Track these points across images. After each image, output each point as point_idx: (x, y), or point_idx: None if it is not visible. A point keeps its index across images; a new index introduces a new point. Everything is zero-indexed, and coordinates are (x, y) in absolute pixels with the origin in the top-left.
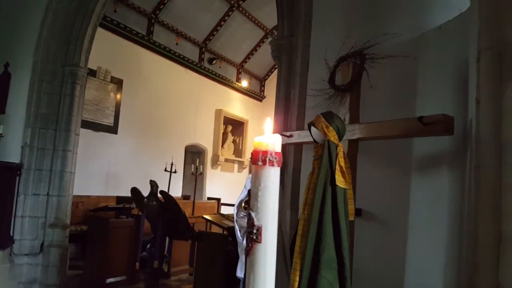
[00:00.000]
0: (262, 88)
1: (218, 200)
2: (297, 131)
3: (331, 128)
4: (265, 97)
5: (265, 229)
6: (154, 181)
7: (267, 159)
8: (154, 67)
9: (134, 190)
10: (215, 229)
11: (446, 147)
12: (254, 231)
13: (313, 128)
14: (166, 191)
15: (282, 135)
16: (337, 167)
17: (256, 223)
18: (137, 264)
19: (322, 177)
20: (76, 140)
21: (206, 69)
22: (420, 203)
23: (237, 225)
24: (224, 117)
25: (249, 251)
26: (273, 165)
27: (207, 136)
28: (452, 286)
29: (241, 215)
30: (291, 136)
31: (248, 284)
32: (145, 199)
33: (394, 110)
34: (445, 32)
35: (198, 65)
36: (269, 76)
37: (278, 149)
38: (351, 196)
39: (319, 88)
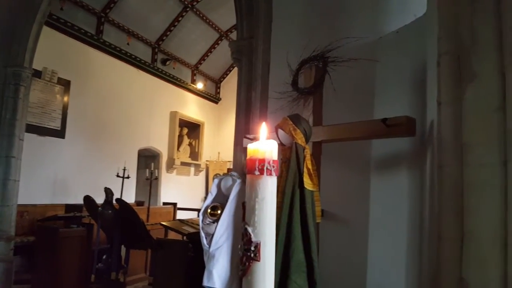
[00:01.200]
0: (218, 90)
1: (174, 204)
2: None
3: (298, 130)
4: (221, 99)
5: (264, 245)
6: (109, 189)
7: (265, 168)
8: (104, 68)
9: (87, 199)
10: (173, 236)
11: (404, 148)
12: (252, 248)
13: (280, 131)
14: (119, 197)
15: (245, 137)
16: (305, 169)
17: (253, 239)
18: (93, 276)
19: (290, 180)
20: (20, 145)
21: (160, 70)
22: (379, 203)
23: (203, 232)
24: (180, 119)
25: (246, 270)
26: (271, 174)
27: (162, 139)
28: (414, 283)
29: (207, 222)
30: (254, 139)
31: None
32: (99, 208)
33: (353, 112)
34: (402, 36)
35: (151, 66)
36: (224, 78)
37: (275, 156)
38: (318, 198)
39: (282, 90)
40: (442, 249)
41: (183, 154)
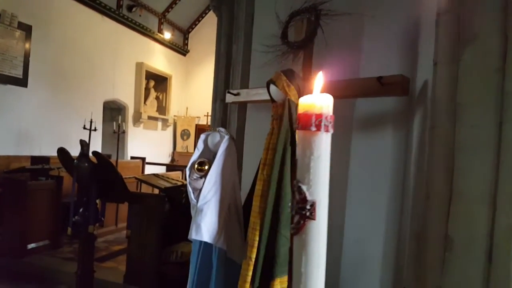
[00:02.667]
0: (186, 42)
1: (143, 159)
2: (245, 89)
3: (292, 86)
4: (189, 51)
5: (319, 204)
6: (84, 141)
7: (322, 124)
8: (67, 13)
9: (62, 151)
10: (144, 190)
11: (389, 108)
12: (308, 207)
13: (272, 86)
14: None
15: (228, 92)
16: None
17: (309, 197)
18: (69, 229)
19: (282, 137)
20: None
21: (125, 17)
22: (360, 162)
23: (190, 187)
24: (146, 71)
25: (299, 229)
26: (327, 130)
27: (128, 91)
28: (393, 239)
29: (194, 177)
30: (238, 94)
31: (299, 265)
32: (75, 161)
33: (340, 69)
34: None
35: (116, 12)
36: (193, 28)
37: (331, 111)
38: None
39: (269, 43)
40: (429, 207)
41: (150, 108)
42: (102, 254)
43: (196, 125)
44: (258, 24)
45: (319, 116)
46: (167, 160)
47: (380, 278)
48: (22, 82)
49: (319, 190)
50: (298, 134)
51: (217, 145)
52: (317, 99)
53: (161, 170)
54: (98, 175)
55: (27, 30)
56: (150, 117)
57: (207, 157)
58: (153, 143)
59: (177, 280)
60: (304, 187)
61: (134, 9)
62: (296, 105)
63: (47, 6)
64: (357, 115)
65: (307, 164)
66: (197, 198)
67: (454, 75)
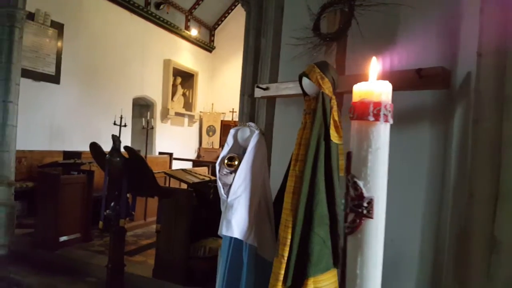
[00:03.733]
0: (212, 38)
1: (170, 154)
2: (275, 84)
3: (326, 79)
4: (215, 47)
5: (377, 201)
6: (116, 136)
7: (381, 113)
8: (96, 11)
9: (94, 145)
10: (173, 184)
11: (426, 103)
12: (365, 204)
13: (305, 79)
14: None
15: (257, 87)
16: (331, 121)
17: (366, 194)
18: (101, 223)
19: (315, 132)
20: (16, 90)
21: (153, 14)
22: (397, 157)
23: (220, 182)
24: (173, 68)
25: (355, 228)
26: (386, 120)
27: (156, 88)
28: (431, 237)
29: (224, 172)
30: (267, 88)
31: (354, 266)
32: (107, 155)
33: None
34: None
35: (145, 9)
36: (219, 25)
37: (390, 100)
38: (342, 151)
39: (301, 36)
40: (472, 207)
41: (177, 104)
42: (131, 248)
43: (222, 121)
44: (288, 16)
45: (377, 105)
46: (193, 156)
47: (417, 279)
48: (54, 79)
49: (377, 185)
50: (353, 124)
51: (247, 140)
52: (375, 85)
53: (188, 165)
54: (129, 170)
55: (59, 28)
56: (177, 113)
57: (237, 152)
58: (179, 139)
59: (204, 275)
60: (360, 183)
61: (161, 7)
62: (331, 98)
63: (78, 5)
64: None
65: (363, 158)
66: (227, 193)
67: (501, 66)
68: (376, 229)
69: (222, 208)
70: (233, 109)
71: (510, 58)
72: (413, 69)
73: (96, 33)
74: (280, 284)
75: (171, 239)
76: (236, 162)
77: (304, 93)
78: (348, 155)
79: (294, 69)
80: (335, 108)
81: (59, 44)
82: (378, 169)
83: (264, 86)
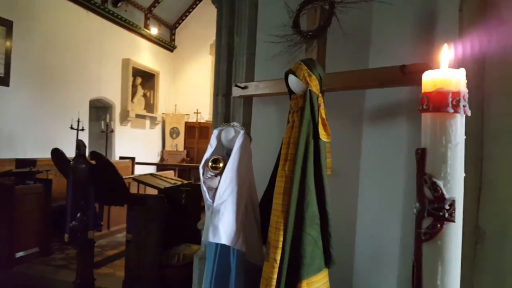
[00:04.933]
0: (173, 37)
1: (133, 159)
2: (254, 82)
3: (313, 76)
4: (176, 46)
5: (457, 203)
6: (81, 141)
7: (461, 104)
8: (49, 7)
9: (56, 152)
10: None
11: (403, 99)
12: (446, 206)
13: (291, 77)
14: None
15: (236, 86)
16: (319, 119)
17: (447, 195)
18: (66, 235)
19: (304, 131)
20: None
21: (111, 12)
22: (373, 153)
23: (205, 186)
24: (133, 68)
25: (435, 234)
26: (465, 112)
27: (114, 89)
28: (411, 230)
29: (209, 176)
30: (246, 87)
31: (434, 277)
32: (71, 162)
33: (346, 61)
34: None
35: (101, 7)
36: (180, 23)
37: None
38: (329, 149)
39: (280, 34)
40: None
41: (138, 106)
42: (96, 260)
43: (186, 122)
44: (263, 14)
45: (456, 95)
46: (156, 159)
47: (398, 273)
48: (3, 81)
49: (457, 185)
50: (425, 117)
51: (232, 140)
52: (451, 73)
53: (151, 170)
54: (96, 177)
55: (7, 26)
56: (137, 115)
57: (221, 154)
58: (141, 142)
59: (178, 283)
60: (440, 183)
61: (119, 4)
62: (318, 96)
63: (29, 1)
64: (368, 106)
65: (442, 155)
66: (213, 198)
67: (480, 63)
68: (457, 234)
69: (208, 214)
70: (197, 110)
71: (489, 56)
72: (397, 65)
73: (50, 32)
74: None
75: (141, 248)
76: (221, 165)
77: (290, 91)
78: (423, 152)
79: (271, 67)
80: (322, 105)
81: (8, 43)
82: (458, 167)
83: (242, 85)
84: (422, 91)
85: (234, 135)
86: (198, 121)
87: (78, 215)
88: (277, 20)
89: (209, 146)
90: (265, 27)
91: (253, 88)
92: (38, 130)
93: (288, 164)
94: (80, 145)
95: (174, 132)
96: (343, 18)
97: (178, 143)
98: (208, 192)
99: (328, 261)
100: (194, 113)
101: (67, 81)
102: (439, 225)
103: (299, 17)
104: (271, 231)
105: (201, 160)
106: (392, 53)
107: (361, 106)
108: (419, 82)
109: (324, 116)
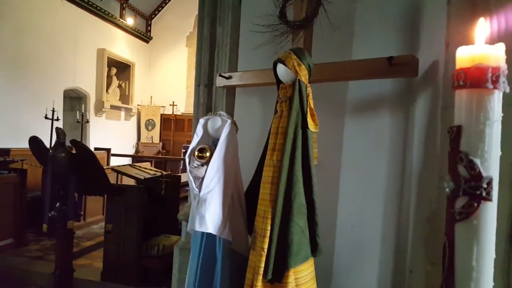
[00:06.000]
0: (149, 28)
1: (108, 150)
2: (238, 72)
3: (303, 66)
4: (152, 38)
5: (494, 182)
6: (61, 129)
7: (500, 80)
8: None
9: (35, 140)
10: (113, 181)
11: (385, 91)
12: (484, 185)
13: (280, 66)
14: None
15: (220, 76)
16: (308, 109)
17: (484, 174)
18: (45, 226)
19: (293, 120)
20: None
21: (86, 1)
22: (355, 145)
23: (191, 175)
24: (108, 58)
25: (471, 213)
26: (505, 89)
27: (89, 79)
28: (392, 223)
29: (195, 165)
30: (230, 77)
31: (469, 257)
32: (50, 151)
33: (330, 52)
34: None
35: None
36: (156, 14)
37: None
38: (316, 139)
39: (265, 23)
40: (443, 189)
41: (113, 97)
42: (73, 251)
43: (161, 114)
44: (248, 3)
45: (496, 70)
46: (131, 151)
47: (380, 263)
48: None
49: (494, 164)
50: (460, 94)
51: (219, 130)
52: (491, 48)
53: (127, 161)
54: (76, 166)
55: None
56: (112, 107)
57: (206, 143)
58: (116, 134)
59: (159, 274)
60: (477, 161)
61: None
62: (307, 86)
63: None
64: (350, 98)
65: (480, 132)
66: (199, 187)
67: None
68: (493, 214)
69: (194, 204)
70: (173, 102)
71: None
72: (384, 57)
73: (23, 19)
74: (260, 278)
75: (121, 239)
76: (208, 154)
77: (278, 81)
78: (458, 130)
79: (255, 57)
80: (310, 95)
81: None
82: (494, 145)
83: (226, 75)
84: (457, 67)
85: (221, 124)
86: (174, 113)
87: (57, 204)
88: (262, 9)
89: (195, 135)
90: (249, 17)
91: (238, 78)
92: (12, 119)
93: (276, 153)
94: (59, 133)
95: (150, 124)
96: (330, 9)
97: (154, 135)
98: (194, 181)
99: (314, 250)
100: (170, 105)
101: (41, 70)
102: (475, 204)
103: (285, 7)
104: (258, 220)
105: (176, 153)
106: (375, 45)
107: (343, 98)
108: (406, 74)
109: (312, 106)
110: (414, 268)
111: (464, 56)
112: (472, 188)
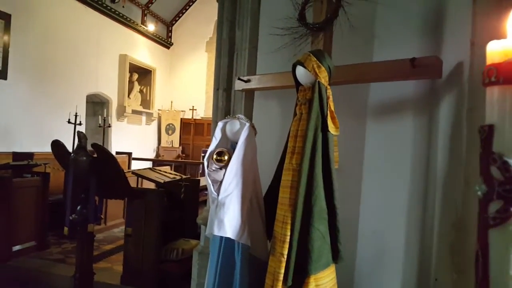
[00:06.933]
0: (170, 34)
1: (129, 154)
2: (257, 76)
3: (323, 68)
4: (172, 43)
5: None
6: (82, 133)
7: None
8: (47, 2)
9: (57, 144)
10: (133, 184)
11: (408, 93)
12: None
13: (299, 68)
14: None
15: (239, 79)
16: (328, 112)
17: None
18: (66, 228)
19: (313, 123)
20: None
21: (108, 7)
22: (377, 150)
23: (210, 179)
24: (130, 64)
25: (506, 218)
26: None
27: (111, 84)
28: (416, 228)
29: (213, 168)
30: (249, 81)
31: (506, 268)
32: (72, 154)
33: (351, 54)
34: None
35: (99, 2)
36: (176, 20)
37: None
38: (336, 142)
39: (285, 26)
40: (470, 194)
41: (134, 102)
42: (94, 254)
43: (181, 119)
44: (267, 7)
45: None
46: (151, 155)
47: (403, 270)
48: (1, 74)
49: None
50: (491, 91)
51: (237, 133)
52: None
53: (147, 165)
54: (97, 170)
55: (6, 18)
56: (134, 111)
57: (225, 146)
58: (137, 138)
59: (177, 278)
60: None
61: (117, 0)
62: (326, 88)
63: None
64: (372, 101)
65: None
66: (218, 191)
67: None
68: None
69: (212, 207)
70: (193, 106)
71: None
72: (407, 58)
73: (48, 26)
74: (280, 284)
75: (140, 243)
76: (226, 157)
77: (297, 83)
78: (490, 129)
79: (274, 61)
80: (331, 98)
81: (6, 37)
82: None
83: (245, 78)
84: (488, 63)
85: (239, 127)
86: (194, 117)
87: (78, 208)
88: (281, 12)
89: (213, 138)
90: (268, 20)
91: (256, 82)
92: (36, 124)
93: (296, 157)
94: (81, 137)
95: (170, 129)
96: (350, 11)
97: (174, 140)
98: (213, 185)
99: (335, 256)
100: (190, 109)
101: (65, 75)
102: (511, 209)
103: (305, 9)
104: (278, 225)
105: (196, 157)
106: (396, 47)
107: (365, 101)
108: (430, 75)
109: (332, 108)
110: (439, 276)
111: (496, 51)
112: (508, 192)
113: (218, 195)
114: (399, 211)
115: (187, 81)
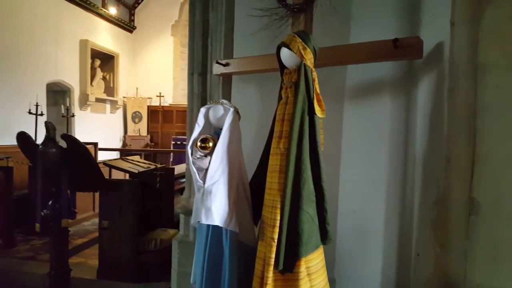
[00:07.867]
0: (132, 18)
1: (95, 144)
2: (236, 59)
3: (308, 49)
4: (135, 27)
5: None
6: (51, 123)
7: None
8: None
9: (22, 135)
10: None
11: (385, 75)
12: None
13: (284, 50)
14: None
15: (217, 62)
16: (314, 95)
17: None
18: (37, 225)
19: (299, 106)
20: None
21: None
22: (355, 131)
23: (194, 167)
24: (91, 49)
25: None
26: None
27: (72, 72)
28: (395, 206)
29: (198, 156)
30: (227, 64)
31: None
32: (40, 146)
33: (328, 37)
34: None
35: None
36: (139, 3)
37: None
38: (321, 125)
39: (264, 7)
40: (451, 171)
41: (97, 89)
42: None
43: (148, 106)
44: None
45: None
46: (118, 145)
47: (384, 247)
48: None
49: None
50: None
51: (221, 119)
52: None
53: (115, 155)
54: (68, 162)
55: None
56: (97, 99)
57: (208, 133)
58: (102, 128)
59: (157, 269)
60: None
61: None
62: (312, 70)
63: None
64: (349, 83)
65: None
66: (204, 178)
67: (474, 35)
68: None
69: (198, 196)
70: (160, 93)
71: (482, 26)
72: (389, 39)
73: (1, 9)
74: (271, 268)
75: (117, 235)
76: (211, 144)
77: (281, 66)
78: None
79: (252, 43)
80: (316, 80)
81: None
82: None
83: (224, 62)
84: None
85: (223, 113)
86: (162, 104)
87: (50, 203)
88: None
89: (196, 125)
90: (245, 0)
91: (235, 65)
92: None
93: (283, 141)
94: (49, 127)
95: (136, 117)
96: None
97: (141, 128)
98: (198, 173)
99: (324, 237)
100: (157, 96)
101: (22, 63)
102: None
103: None
104: (267, 210)
105: (165, 145)
106: (373, 29)
107: (342, 83)
108: (411, 56)
109: (318, 91)
110: (421, 251)
111: None
112: None
113: (204, 183)
114: (378, 190)
115: (153, 67)
